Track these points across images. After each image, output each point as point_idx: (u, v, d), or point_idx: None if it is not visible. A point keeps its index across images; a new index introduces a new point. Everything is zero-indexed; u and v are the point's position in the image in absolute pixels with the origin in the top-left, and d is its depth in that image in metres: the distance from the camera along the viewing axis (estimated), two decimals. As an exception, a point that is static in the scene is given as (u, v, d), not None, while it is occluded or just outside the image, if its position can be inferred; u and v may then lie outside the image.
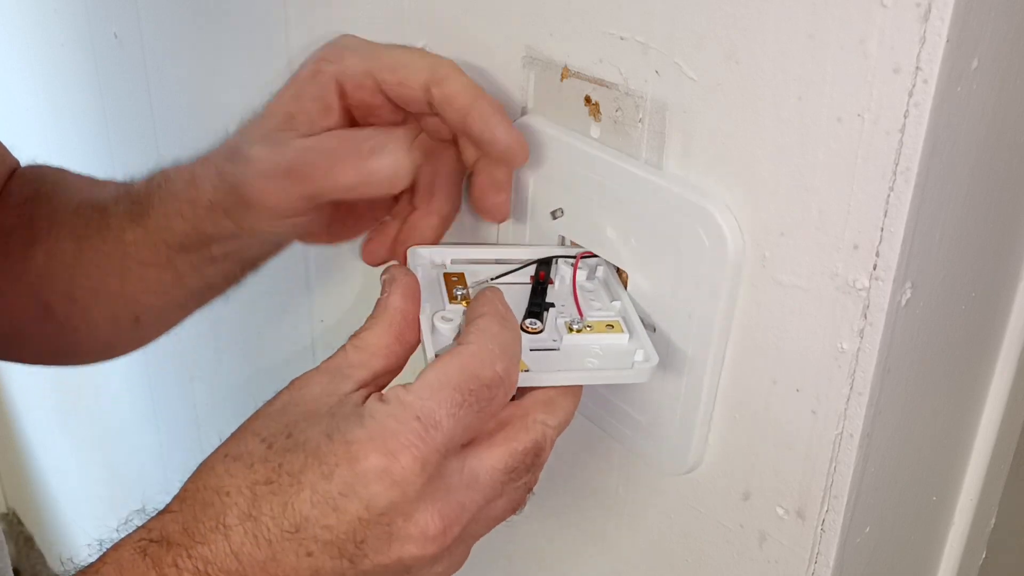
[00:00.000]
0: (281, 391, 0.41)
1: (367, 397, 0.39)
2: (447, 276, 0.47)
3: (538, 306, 0.46)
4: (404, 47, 0.48)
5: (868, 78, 0.35)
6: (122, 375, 1.33)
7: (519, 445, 0.40)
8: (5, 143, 0.64)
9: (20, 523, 2.15)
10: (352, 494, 0.37)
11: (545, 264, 0.49)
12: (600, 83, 0.46)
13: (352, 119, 0.50)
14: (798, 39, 0.37)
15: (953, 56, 0.34)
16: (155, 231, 0.55)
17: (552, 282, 0.48)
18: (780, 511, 0.45)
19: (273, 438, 0.38)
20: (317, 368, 0.41)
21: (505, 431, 0.41)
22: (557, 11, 0.47)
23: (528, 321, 0.45)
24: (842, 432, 0.41)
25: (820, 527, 0.43)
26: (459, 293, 0.46)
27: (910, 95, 0.35)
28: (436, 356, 0.40)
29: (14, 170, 0.64)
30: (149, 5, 0.88)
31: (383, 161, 0.46)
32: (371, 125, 0.50)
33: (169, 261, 0.56)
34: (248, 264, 0.57)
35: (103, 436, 1.53)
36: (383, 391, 0.40)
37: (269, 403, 0.41)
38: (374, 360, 0.41)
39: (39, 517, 2.05)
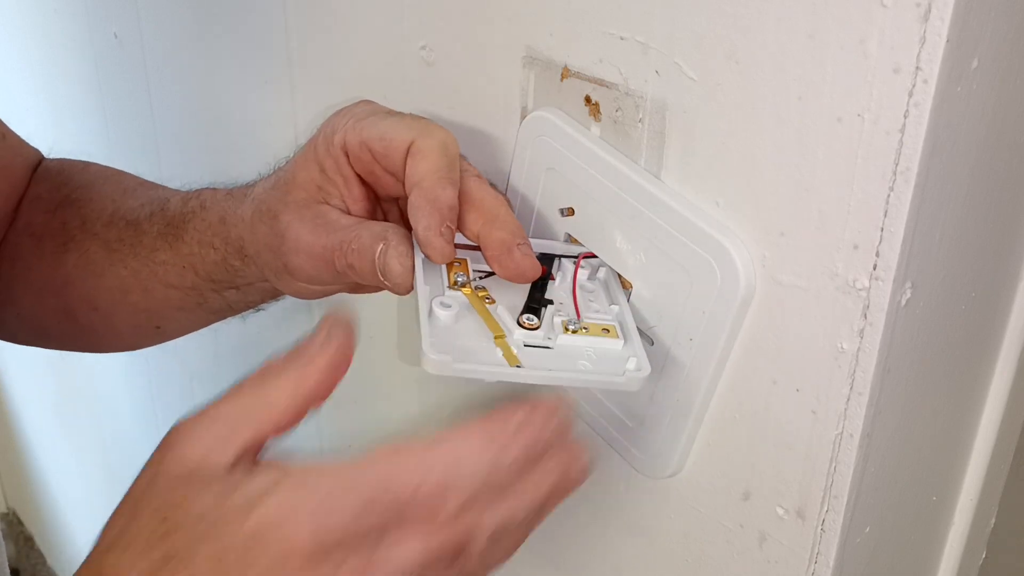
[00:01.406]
0: (154, 463, 0.36)
1: (250, 472, 0.35)
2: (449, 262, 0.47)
3: (537, 302, 0.46)
4: (400, 115, 0.47)
5: (868, 78, 0.35)
6: (122, 375, 1.33)
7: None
8: (5, 143, 0.64)
9: (20, 523, 2.15)
10: None
11: (548, 259, 0.49)
12: (600, 83, 0.46)
13: (368, 184, 0.50)
14: (798, 39, 0.37)
15: (953, 56, 0.34)
16: (186, 256, 0.55)
17: (553, 278, 0.48)
18: (780, 511, 0.45)
19: (149, 549, 0.33)
20: (200, 421, 0.36)
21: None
22: (557, 11, 0.47)
23: (525, 316, 0.45)
24: (842, 432, 0.41)
25: (820, 527, 0.43)
26: (459, 279, 0.46)
27: (910, 95, 0.35)
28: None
29: (39, 162, 0.65)
30: (149, 5, 0.88)
31: (393, 270, 0.45)
32: (379, 191, 0.50)
33: (194, 286, 0.56)
34: (269, 295, 0.57)
35: (103, 436, 1.53)
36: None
37: (148, 483, 0.35)
38: (266, 422, 0.36)
39: (39, 517, 2.05)
